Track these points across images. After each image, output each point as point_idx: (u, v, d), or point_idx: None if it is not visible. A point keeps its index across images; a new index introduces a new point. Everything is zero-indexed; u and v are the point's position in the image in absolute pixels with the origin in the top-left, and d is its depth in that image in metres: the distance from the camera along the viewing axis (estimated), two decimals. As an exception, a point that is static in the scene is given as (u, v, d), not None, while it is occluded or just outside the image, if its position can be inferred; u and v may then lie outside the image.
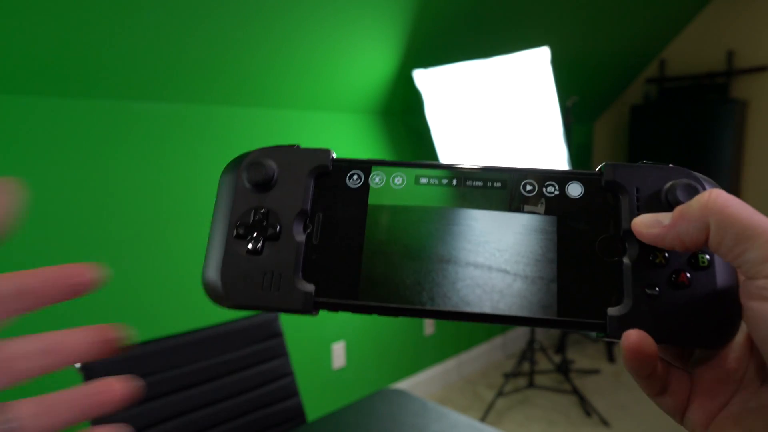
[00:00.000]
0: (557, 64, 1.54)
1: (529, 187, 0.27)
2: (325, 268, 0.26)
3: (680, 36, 2.63)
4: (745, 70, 2.43)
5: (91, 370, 0.82)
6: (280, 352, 1.03)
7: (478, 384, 2.36)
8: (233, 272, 0.26)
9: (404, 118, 2.00)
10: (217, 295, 0.26)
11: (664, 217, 0.23)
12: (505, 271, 0.25)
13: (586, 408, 2.08)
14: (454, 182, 0.27)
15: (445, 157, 1.86)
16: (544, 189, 0.26)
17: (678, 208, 0.22)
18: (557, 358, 2.40)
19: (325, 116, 1.76)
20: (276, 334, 1.03)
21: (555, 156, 1.61)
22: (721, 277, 0.24)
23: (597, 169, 0.27)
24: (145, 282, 1.40)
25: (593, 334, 0.25)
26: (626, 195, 0.25)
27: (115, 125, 1.32)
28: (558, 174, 0.26)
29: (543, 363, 2.40)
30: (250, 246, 0.26)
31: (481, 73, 1.63)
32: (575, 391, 2.12)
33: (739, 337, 0.24)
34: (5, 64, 1.09)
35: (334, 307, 0.25)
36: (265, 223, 0.26)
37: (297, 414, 1.03)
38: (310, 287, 0.25)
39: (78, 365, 0.86)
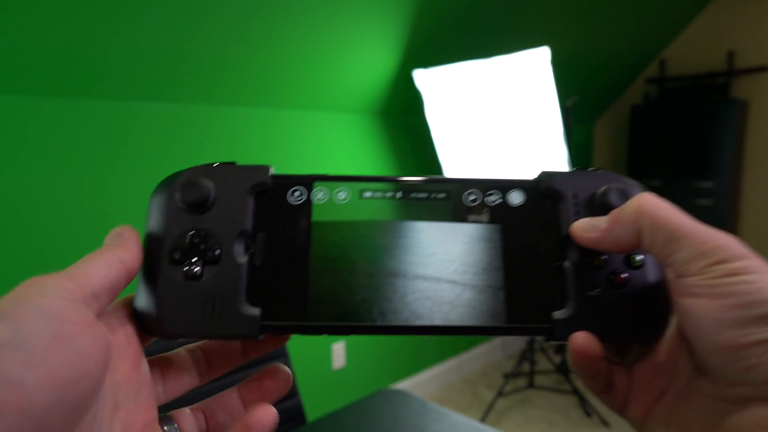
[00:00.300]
0: (557, 63, 1.54)
1: (472, 197, 0.27)
2: (270, 290, 0.25)
3: (680, 36, 2.63)
4: (745, 70, 2.43)
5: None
6: (279, 352, 1.03)
7: (478, 384, 2.36)
8: (171, 301, 0.24)
9: (404, 118, 2.00)
10: (153, 327, 0.24)
11: (600, 221, 0.24)
12: (454, 282, 0.25)
13: (587, 408, 2.08)
14: (398, 195, 0.26)
15: (445, 157, 1.86)
16: (486, 198, 0.27)
17: (612, 213, 0.24)
18: (557, 359, 2.40)
19: (324, 116, 1.76)
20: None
21: (555, 156, 1.61)
22: (652, 276, 0.25)
23: (536, 177, 0.27)
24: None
25: (542, 337, 0.25)
26: (564, 201, 0.26)
27: (115, 125, 1.32)
28: (499, 183, 0.27)
29: (543, 363, 2.40)
30: (188, 271, 0.24)
31: (481, 73, 1.63)
32: (575, 392, 2.12)
33: (671, 332, 0.25)
34: (5, 64, 1.09)
35: (281, 330, 0.24)
36: (203, 246, 0.24)
37: (297, 414, 1.03)
38: (255, 311, 0.24)
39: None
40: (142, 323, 0.24)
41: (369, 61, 1.66)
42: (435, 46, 1.76)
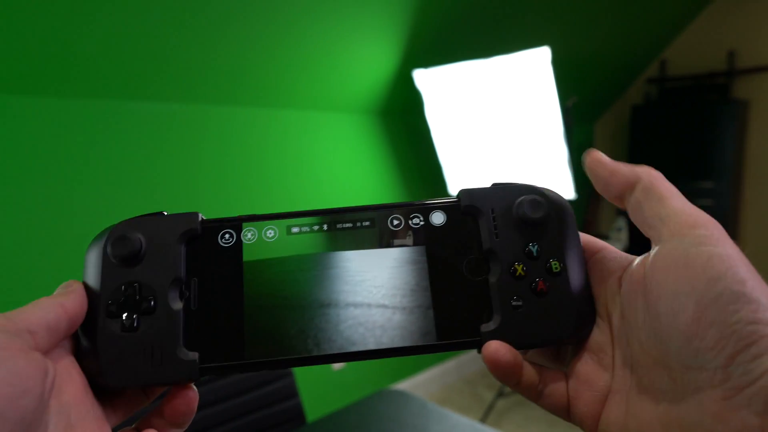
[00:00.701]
0: (558, 64, 1.54)
1: (396, 222, 0.28)
2: (207, 332, 0.25)
3: (681, 36, 2.63)
4: (746, 70, 2.43)
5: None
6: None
7: (478, 385, 2.36)
8: (110, 353, 0.24)
9: (404, 118, 2.00)
10: (96, 378, 0.24)
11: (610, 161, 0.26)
12: (384, 306, 0.26)
13: (587, 409, 2.08)
14: (325, 227, 0.27)
15: (445, 157, 1.86)
16: (410, 221, 0.27)
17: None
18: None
19: (324, 116, 1.76)
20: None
21: (555, 157, 1.61)
22: (574, 279, 0.26)
23: (456, 196, 0.28)
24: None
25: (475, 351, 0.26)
26: (483, 216, 0.27)
27: (113, 125, 1.32)
28: (420, 206, 0.28)
29: (543, 363, 2.40)
30: (124, 323, 0.25)
31: (482, 73, 1.63)
32: (576, 392, 2.12)
33: (604, 326, 0.25)
34: (5, 64, 1.09)
35: (220, 371, 0.25)
36: (138, 297, 0.25)
37: (297, 414, 1.03)
38: (193, 355, 0.25)
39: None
40: (87, 375, 0.24)
41: (369, 61, 1.66)
42: (435, 46, 1.76)
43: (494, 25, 1.85)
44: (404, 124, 2.01)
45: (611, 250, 0.27)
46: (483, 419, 2.02)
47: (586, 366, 0.25)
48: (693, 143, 2.43)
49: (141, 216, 0.27)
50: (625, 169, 0.25)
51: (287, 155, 1.68)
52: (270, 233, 0.27)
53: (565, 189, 1.64)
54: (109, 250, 0.26)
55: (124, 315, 0.25)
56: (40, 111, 1.20)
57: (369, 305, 0.26)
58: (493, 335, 0.25)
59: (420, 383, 2.22)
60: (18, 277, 1.20)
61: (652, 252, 0.23)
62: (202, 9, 1.23)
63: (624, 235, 2.39)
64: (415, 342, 0.25)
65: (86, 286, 0.25)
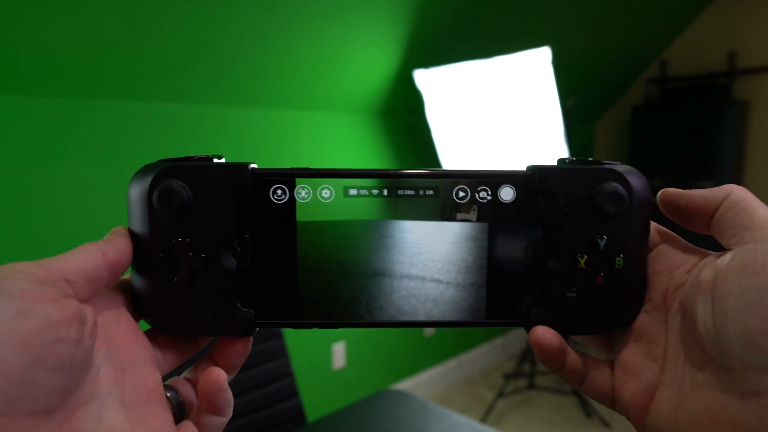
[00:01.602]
0: (558, 64, 1.54)
1: (461, 194, 0.26)
2: (260, 291, 0.26)
3: (681, 36, 2.63)
4: (746, 70, 2.43)
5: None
6: (280, 352, 1.03)
7: (479, 385, 2.36)
8: (165, 306, 0.25)
9: (405, 119, 2.00)
10: (153, 326, 0.26)
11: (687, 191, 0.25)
12: (438, 281, 0.26)
13: (587, 409, 2.08)
14: (385, 192, 0.26)
15: (445, 157, 1.86)
16: (476, 194, 0.26)
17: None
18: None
19: (325, 116, 1.76)
20: (276, 334, 1.03)
21: (556, 156, 1.61)
22: (634, 276, 0.26)
23: (527, 170, 0.27)
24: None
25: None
26: (556, 199, 0.26)
27: (115, 125, 1.32)
28: (490, 178, 0.26)
29: (544, 364, 2.40)
30: (178, 278, 0.25)
31: (482, 73, 1.63)
32: (576, 392, 2.12)
33: (654, 317, 0.25)
34: (5, 64, 1.09)
35: (275, 327, 0.26)
36: (190, 254, 0.25)
37: (297, 414, 1.03)
38: (248, 313, 0.25)
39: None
40: (147, 322, 0.25)
41: (370, 61, 1.66)
42: (436, 47, 1.76)
43: (495, 26, 1.85)
44: (405, 124, 2.01)
45: (678, 240, 0.27)
46: (483, 419, 2.02)
47: (634, 356, 0.25)
48: (693, 143, 2.43)
49: (186, 161, 0.25)
50: (706, 191, 0.24)
51: (289, 155, 1.68)
52: (325, 193, 0.26)
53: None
54: (155, 201, 0.24)
55: (177, 270, 0.25)
56: (41, 111, 1.20)
57: (423, 278, 0.26)
58: (541, 321, 0.26)
59: (420, 383, 2.22)
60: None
61: (729, 253, 0.22)
62: (202, 9, 1.23)
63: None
64: (464, 318, 0.26)
65: (134, 231, 0.25)
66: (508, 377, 2.19)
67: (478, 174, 0.26)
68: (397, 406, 0.96)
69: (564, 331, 0.26)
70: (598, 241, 0.25)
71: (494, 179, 0.26)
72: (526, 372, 2.25)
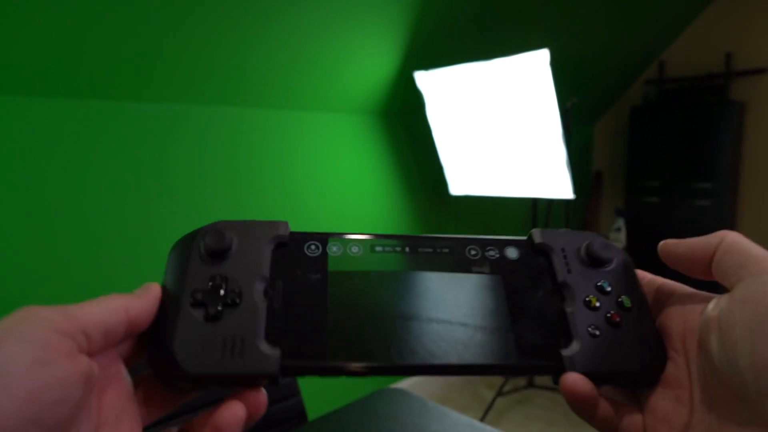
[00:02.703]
0: (557, 65, 1.55)
1: (473, 252, 0.29)
2: (289, 331, 0.25)
3: (679, 38, 2.64)
4: (743, 72, 2.44)
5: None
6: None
7: (478, 383, 2.37)
8: (188, 339, 0.24)
9: (405, 120, 2.01)
10: (167, 367, 0.23)
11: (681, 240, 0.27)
12: (465, 325, 0.27)
13: (585, 408, 2.08)
14: (407, 249, 0.29)
15: (445, 158, 1.86)
16: (486, 253, 0.29)
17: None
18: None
19: (325, 117, 1.76)
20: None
21: (554, 158, 1.62)
22: (642, 316, 0.27)
23: (527, 236, 0.31)
24: (146, 281, 1.40)
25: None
26: (555, 253, 0.29)
27: (114, 126, 1.32)
28: (495, 241, 0.30)
29: (542, 363, 2.40)
30: (208, 312, 0.24)
31: (482, 75, 1.64)
32: (574, 392, 2.12)
33: (680, 362, 0.26)
34: (5, 65, 1.10)
35: (302, 371, 0.24)
36: (223, 289, 0.25)
37: (298, 413, 1.04)
38: (275, 350, 0.24)
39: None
40: (156, 365, 0.24)
41: (370, 63, 1.67)
42: (436, 48, 1.77)
43: (494, 28, 1.86)
44: (405, 125, 2.02)
45: (687, 289, 0.28)
46: (483, 418, 2.03)
47: (663, 402, 0.25)
48: (691, 144, 2.44)
49: (232, 221, 0.28)
50: (701, 238, 0.26)
51: (289, 155, 1.68)
52: (355, 249, 0.28)
53: (564, 189, 1.65)
54: (201, 243, 0.26)
55: (208, 304, 0.25)
56: (41, 111, 1.20)
57: (450, 322, 0.26)
58: (574, 359, 0.26)
59: (420, 382, 2.22)
60: (16, 278, 1.20)
61: (731, 291, 0.23)
62: (203, 10, 1.23)
63: (623, 236, 2.40)
64: (497, 360, 0.26)
65: (169, 278, 0.26)
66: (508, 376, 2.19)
67: (484, 239, 0.30)
68: (398, 405, 0.96)
69: (597, 373, 0.26)
70: (602, 283, 0.28)
71: (498, 241, 0.30)
72: (525, 371, 2.25)
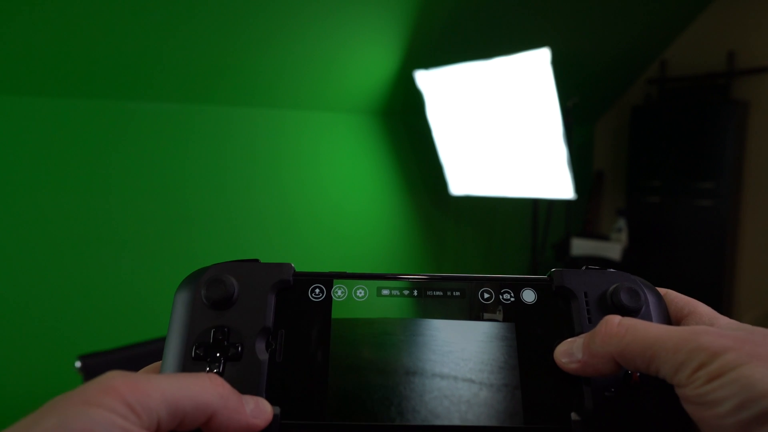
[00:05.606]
0: (558, 64, 1.54)
1: (486, 295, 0.28)
2: (290, 387, 0.25)
3: (681, 37, 2.63)
4: (746, 71, 2.43)
5: (91, 370, 0.83)
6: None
7: None
8: None
9: (405, 119, 2.00)
10: None
11: (577, 350, 0.24)
12: (471, 381, 0.25)
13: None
14: (415, 293, 0.28)
15: (446, 157, 1.86)
16: (500, 296, 0.28)
17: (585, 341, 0.24)
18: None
19: (326, 116, 1.76)
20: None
21: (555, 157, 1.61)
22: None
23: (547, 275, 0.28)
24: (145, 281, 1.40)
25: None
26: (576, 299, 0.27)
27: (114, 125, 1.32)
28: (511, 281, 0.28)
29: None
30: (210, 368, 0.24)
31: (482, 74, 1.63)
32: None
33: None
34: (5, 65, 1.10)
35: (300, 430, 0.24)
36: (226, 343, 0.25)
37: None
38: (275, 409, 0.24)
39: (78, 365, 0.86)
40: None
41: (371, 62, 1.66)
42: (436, 47, 1.76)
43: (495, 27, 1.85)
44: (405, 125, 2.02)
45: (706, 312, 0.26)
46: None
47: None
48: (693, 144, 2.43)
49: (235, 261, 0.27)
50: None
51: (290, 155, 1.68)
52: (360, 293, 0.27)
53: (565, 189, 1.64)
54: (203, 291, 0.26)
55: (210, 359, 0.25)
56: (41, 111, 1.20)
57: (456, 378, 0.25)
58: (585, 426, 0.24)
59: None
60: (16, 278, 1.20)
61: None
62: (203, 10, 1.23)
63: (624, 236, 2.39)
64: (502, 422, 0.24)
65: (174, 325, 0.26)
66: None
67: (500, 279, 0.28)
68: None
69: None
70: None
71: (515, 282, 0.28)
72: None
